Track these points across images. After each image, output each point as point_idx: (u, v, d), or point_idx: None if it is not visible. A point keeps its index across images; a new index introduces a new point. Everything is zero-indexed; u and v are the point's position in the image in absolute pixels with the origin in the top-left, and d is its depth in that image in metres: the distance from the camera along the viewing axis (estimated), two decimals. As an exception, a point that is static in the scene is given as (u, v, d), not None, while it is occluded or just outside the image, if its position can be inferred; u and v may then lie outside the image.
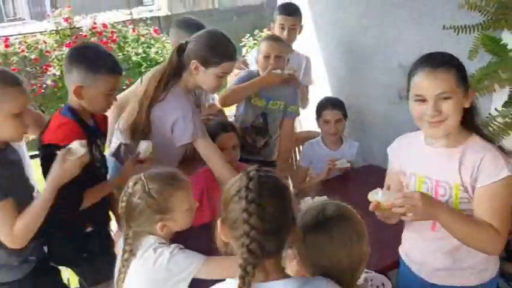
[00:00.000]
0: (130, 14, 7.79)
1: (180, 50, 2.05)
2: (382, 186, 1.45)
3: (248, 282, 0.98)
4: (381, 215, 1.43)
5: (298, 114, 2.70)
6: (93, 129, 1.87)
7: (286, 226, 1.05)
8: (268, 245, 1.01)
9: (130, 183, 1.44)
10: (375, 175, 1.69)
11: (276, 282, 1.03)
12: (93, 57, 1.77)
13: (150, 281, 1.41)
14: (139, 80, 2.50)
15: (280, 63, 2.48)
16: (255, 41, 6.63)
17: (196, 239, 1.51)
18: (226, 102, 2.55)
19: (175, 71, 2.05)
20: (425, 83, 1.35)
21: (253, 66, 2.80)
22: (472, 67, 1.96)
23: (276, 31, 2.80)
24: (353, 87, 3.09)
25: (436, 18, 2.06)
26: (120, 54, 6.35)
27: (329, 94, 3.09)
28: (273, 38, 2.58)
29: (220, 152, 2.09)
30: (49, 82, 5.87)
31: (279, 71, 2.44)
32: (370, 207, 1.37)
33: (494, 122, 1.91)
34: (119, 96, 2.66)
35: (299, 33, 2.85)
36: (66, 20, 6.46)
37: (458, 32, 1.94)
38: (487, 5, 1.87)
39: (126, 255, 1.43)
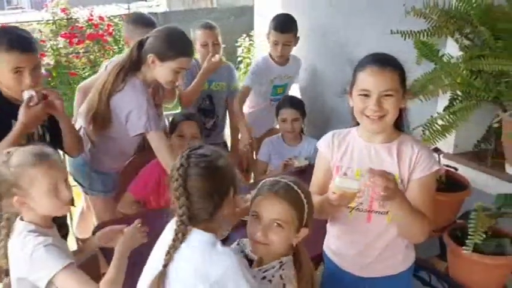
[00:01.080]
0: (128, 8, 7.87)
1: (140, 44, 2.13)
2: None
3: (176, 246, 1.24)
4: (339, 204, 1.43)
5: (238, 90, 2.91)
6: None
7: (217, 200, 1.27)
8: (199, 215, 1.25)
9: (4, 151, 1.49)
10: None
11: (195, 232, 1.27)
12: (4, 34, 1.80)
13: (19, 267, 1.44)
14: (104, 66, 2.60)
15: (217, 49, 2.75)
16: (251, 42, 6.71)
17: (152, 222, 1.55)
18: (191, 101, 2.76)
19: (134, 64, 2.13)
20: (372, 79, 1.43)
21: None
22: (420, 72, 2.05)
23: (270, 45, 2.84)
24: (315, 85, 3.16)
25: (388, 23, 2.13)
26: (115, 47, 6.43)
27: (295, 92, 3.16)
28: (208, 26, 2.76)
29: (169, 147, 2.15)
30: (42, 71, 5.96)
31: (217, 57, 2.65)
32: (334, 197, 1.38)
33: (435, 125, 1.98)
34: (84, 82, 2.79)
35: (295, 45, 2.85)
36: (63, 10, 6.55)
37: (405, 37, 2.02)
38: (431, 13, 1.95)
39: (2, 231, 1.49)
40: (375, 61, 1.46)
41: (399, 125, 1.55)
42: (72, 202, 2.08)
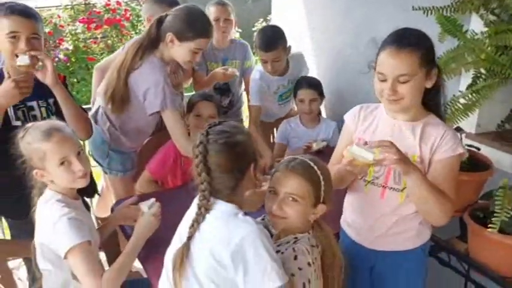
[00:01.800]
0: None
1: (159, 22, 2.12)
2: None
3: (199, 220, 1.28)
4: (350, 170, 1.44)
5: (253, 67, 2.89)
6: None
7: (237, 175, 1.29)
8: (220, 189, 1.28)
9: (20, 130, 1.55)
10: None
11: (219, 203, 1.30)
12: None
13: (43, 232, 1.52)
14: (121, 47, 2.61)
15: (228, 25, 2.80)
16: (268, 27, 6.64)
17: (170, 201, 1.65)
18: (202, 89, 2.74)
19: (152, 42, 2.12)
20: (388, 63, 1.40)
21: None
22: (442, 49, 2.00)
23: (261, 63, 2.70)
24: (334, 65, 3.10)
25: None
26: (132, 32, 6.46)
27: (313, 73, 3.10)
28: (221, 3, 2.78)
29: (184, 128, 2.16)
30: (61, 56, 6.02)
31: (230, 71, 2.73)
32: (345, 162, 1.41)
33: (457, 104, 1.94)
34: (101, 62, 2.80)
35: (287, 55, 2.69)
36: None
37: (427, 13, 1.96)
38: (454, -12, 1.89)
39: (34, 200, 1.57)
40: (393, 41, 1.42)
41: (429, 106, 1.52)
42: (94, 190, 2.12)
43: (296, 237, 1.38)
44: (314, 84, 2.65)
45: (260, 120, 2.76)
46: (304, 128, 2.70)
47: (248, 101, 2.98)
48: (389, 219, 1.56)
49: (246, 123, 3.09)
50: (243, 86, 3.05)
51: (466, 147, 1.96)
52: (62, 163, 1.50)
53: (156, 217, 1.62)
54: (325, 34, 3.14)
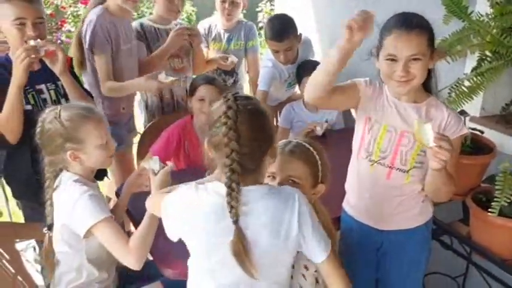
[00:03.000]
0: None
1: None
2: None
3: (234, 197, 1.15)
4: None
5: (257, 47, 2.96)
6: (34, 73, 1.85)
7: (263, 146, 1.21)
8: (247, 163, 1.17)
9: (46, 110, 1.54)
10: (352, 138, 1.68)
11: (251, 187, 1.20)
12: None
13: (63, 213, 1.53)
14: None
15: (235, 8, 2.80)
16: (272, 7, 6.55)
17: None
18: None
19: None
20: (399, 44, 1.40)
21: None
22: (446, 31, 1.97)
23: (272, 52, 2.66)
24: None
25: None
26: (134, 13, 6.40)
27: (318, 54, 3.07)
28: None
29: (107, 72, 2.30)
30: (63, 38, 5.99)
31: (230, 62, 2.75)
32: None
33: (462, 87, 1.92)
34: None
35: (298, 43, 2.66)
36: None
37: (432, -6, 1.94)
38: (460, -32, 1.86)
39: (47, 183, 1.58)
40: (401, 24, 1.42)
41: (427, 86, 1.53)
42: (105, 173, 2.13)
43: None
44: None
45: None
46: (307, 111, 2.68)
47: (251, 81, 2.99)
48: (394, 199, 1.57)
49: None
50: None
51: (470, 130, 1.96)
52: (102, 142, 1.54)
53: (169, 175, 1.57)
54: (327, 18, 3.11)
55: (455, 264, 2.12)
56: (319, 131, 2.46)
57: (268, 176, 1.41)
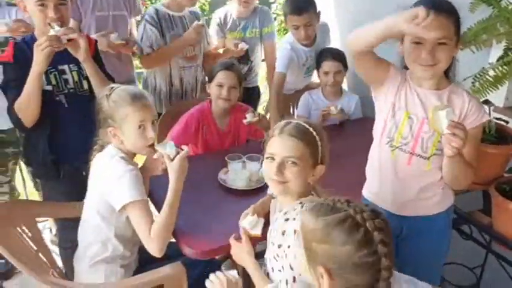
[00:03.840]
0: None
1: None
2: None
3: None
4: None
5: (274, 33, 2.93)
6: (57, 53, 1.81)
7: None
8: None
9: (107, 87, 1.65)
10: (370, 127, 1.67)
11: None
12: None
13: (105, 184, 1.59)
14: None
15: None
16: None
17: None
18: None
19: None
20: (427, 27, 1.35)
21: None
22: (471, 20, 1.95)
23: (291, 30, 2.65)
24: None
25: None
26: (148, 2, 6.41)
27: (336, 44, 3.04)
28: None
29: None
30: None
31: (241, 47, 2.76)
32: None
33: (486, 76, 1.90)
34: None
35: (318, 21, 2.63)
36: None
37: (460, -18, 1.91)
38: (489, -45, 1.83)
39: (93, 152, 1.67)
40: (429, 7, 1.38)
41: (448, 74, 1.52)
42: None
43: (301, 202, 1.37)
44: (338, 56, 2.61)
45: None
46: (326, 100, 2.67)
47: (268, 68, 2.97)
48: (415, 185, 1.56)
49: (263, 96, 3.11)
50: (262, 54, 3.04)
51: (494, 120, 1.95)
52: (139, 127, 1.59)
53: (186, 160, 1.58)
54: (348, 3, 3.08)
55: (473, 255, 2.11)
56: (333, 110, 2.47)
57: (267, 158, 1.40)
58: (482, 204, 2.03)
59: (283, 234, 1.34)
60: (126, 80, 2.56)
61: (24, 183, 2.67)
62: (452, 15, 1.40)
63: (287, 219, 1.35)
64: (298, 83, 2.91)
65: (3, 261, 2.41)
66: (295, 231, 1.30)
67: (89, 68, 1.88)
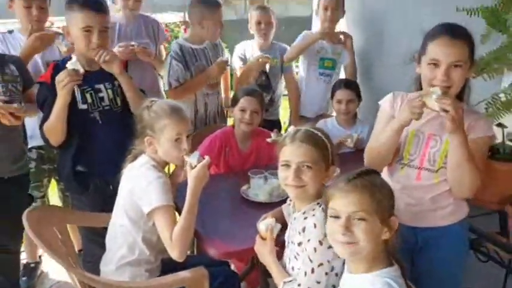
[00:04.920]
0: (184, 16, 8.23)
1: None
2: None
3: None
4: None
5: (292, 67, 3.13)
6: (94, 73, 1.99)
7: None
8: None
9: (147, 100, 1.78)
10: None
11: None
12: None
13: (136, 189, 1.67)
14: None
15: (269, 28, 2.99)
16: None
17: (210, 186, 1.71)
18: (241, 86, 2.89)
19: None
20: (443, 50, 1.49)
21: None
22: (482, 50, 2.07)
23: (320, 15, 3.01)
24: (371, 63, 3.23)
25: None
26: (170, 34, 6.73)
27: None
28: (262, 7, 3.06)
29: None
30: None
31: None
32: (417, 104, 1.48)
33: (499, 102, 1.99)
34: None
35: (343, 12, 3.03)
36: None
37: (471, 14, 2.05)
38: (499, -11, 1.98)
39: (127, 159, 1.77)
40: (446, 31, 1.51)
41: (460, 97, 1.61)
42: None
43: (319, 203, 1.46)
44: (351, 85, 2.76)
45: (300, 115, 3.07)
46: (340, 127, 2.78)
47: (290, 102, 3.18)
48: (426, 196, 1.62)
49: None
50: (283, 85, 3.22)
51: (508, 141, 2.02)
52: (176, 139, 1.69)
53: (206, 168, 1.66)
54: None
55: (490, 280, 2.10)
56: (349, 143, 2.55)
57: (282, 165, 1.50)
58: (498, 227, 2.05)
59: (303, 230, 1.42)
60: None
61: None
62: (468, 40, 1.51)
63: (306, 218, 1.44)
64: (311, 76, 3.11)
65: (24, 278, 2.50)
66: (314, 224, 1.38)
67: (124, 83, 2.02)
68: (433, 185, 1.60)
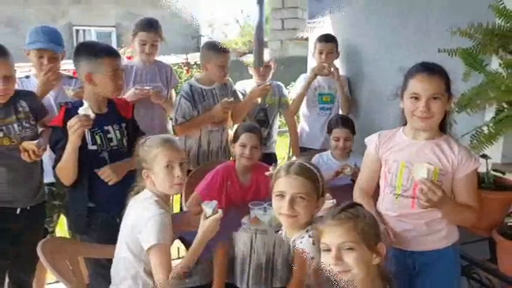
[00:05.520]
0: (186, 58, 8.55)
1: None
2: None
3: None
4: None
5: (288, 103, 3.37)
6: (103, 116, 2.13)
7: None
8: None
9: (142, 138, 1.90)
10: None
11: None
12: (93, 46, 2.16)
13: (137, 223, 1.76)
14: None
15: (268, 71, 3.32)
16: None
17: None
18: (239, 120, 3.12)
19: None
20: (422, 84, 1.67)
21: None
22: (464, 87, 2.23)
23: (316, 56, 3.30)
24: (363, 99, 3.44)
25: (434, 40, 2.34)
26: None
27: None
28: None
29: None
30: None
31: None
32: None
33: (481, 135, 2.13)
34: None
35: (338, 54, 3.31)
36: (128, 58, 7.18)
37: (452, 54, 2.22)
38: (475, 32, 2.16)
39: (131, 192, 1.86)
40: (424, 69, 1.71)
41: (443, 126, 1.78)
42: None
43: (307, 231, 1.58)
44: (348, 123, 2.94)
45: (306, 147, 3.33)
46: (336, 161, 2.93)
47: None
48: (421, 221, 1.75)
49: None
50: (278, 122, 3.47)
51: (492, 172, 2.14)
52: (167, 166, 1.77)
53: (218, 222, 1.74)
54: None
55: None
56: (348, 171, 2.66)
57: (277, 196, 1.62)
58: (489, 254, 2.13)
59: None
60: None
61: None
62: (443, 75, 1.69)
63: (295, 246, 1.58)
64: (311, 111, 3.35)
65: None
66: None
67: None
68: (428, 211, 1.70)
